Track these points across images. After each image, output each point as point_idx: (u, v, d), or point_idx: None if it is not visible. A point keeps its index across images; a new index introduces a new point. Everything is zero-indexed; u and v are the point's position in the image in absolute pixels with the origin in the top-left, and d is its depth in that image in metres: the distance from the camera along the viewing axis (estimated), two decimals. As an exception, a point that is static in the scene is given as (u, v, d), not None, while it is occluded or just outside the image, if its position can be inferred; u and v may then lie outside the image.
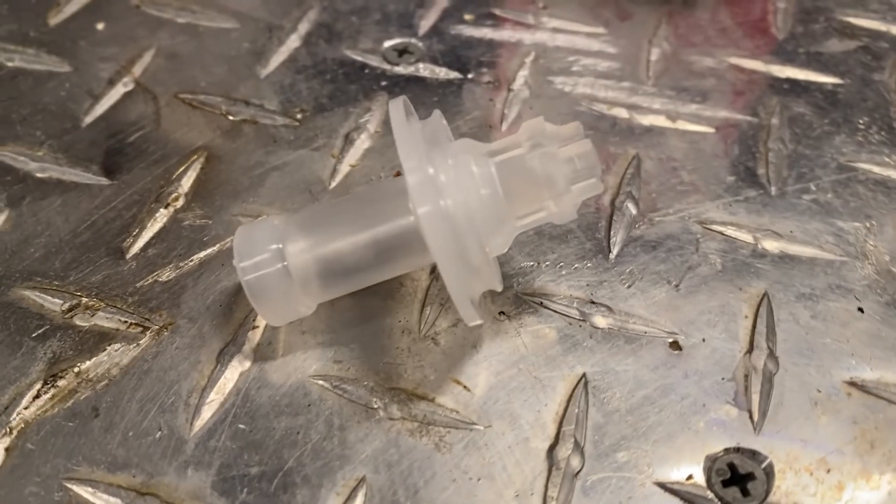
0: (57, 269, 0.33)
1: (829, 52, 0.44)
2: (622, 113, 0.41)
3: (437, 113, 0.31)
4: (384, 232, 0.29)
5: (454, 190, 0.27)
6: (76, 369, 0.31)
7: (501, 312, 0.33)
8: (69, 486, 0.28)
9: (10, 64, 0.42)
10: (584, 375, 0.31)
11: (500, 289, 0.31)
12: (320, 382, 0.30)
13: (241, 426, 0.29)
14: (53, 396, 0.30)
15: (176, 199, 0.36)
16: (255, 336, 0.32)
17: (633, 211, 0.36)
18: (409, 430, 0.29)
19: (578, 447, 0.29)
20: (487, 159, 0.29)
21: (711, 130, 0.40)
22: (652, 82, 0.42)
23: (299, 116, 0.40)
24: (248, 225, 0.30)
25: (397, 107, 0.28)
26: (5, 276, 0.33)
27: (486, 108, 0.41)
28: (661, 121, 0.40)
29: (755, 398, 0.30)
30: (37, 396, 0.30)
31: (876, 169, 0.38)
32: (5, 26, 0.44)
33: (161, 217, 0.35)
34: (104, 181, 0.37)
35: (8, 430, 0.29)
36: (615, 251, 0.35)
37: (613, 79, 0.42)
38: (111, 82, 0.41)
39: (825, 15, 0.47)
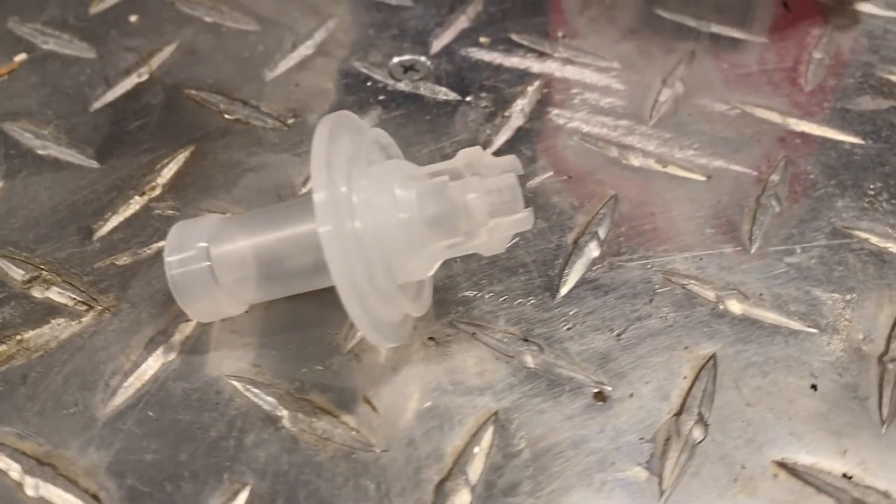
0: (29, 241, 0.35)
1: (857, 109, 0.42)
2: (612, 151, 0.39)
3: (379, 131, 0.31)
4: (297, 244, 0.29)
5: (365, 211, 0.27)
6: (18, 337, 0.32)
7: (431, 338, 0.32)
8: (-21, 445, 0.29)
9: (44, 46, 0.45)
10: (496, 413, 0.30)
11: (417, 314, 0.31)
12: (234, 383, 0.31)
13: (150, 413, 0.30)
14: (-8, 360, 0.32)
15: (153, 188, 0.38)
16: (187, 329, 0.33)
17: (595, 253, 0.35)
18: (307, 443, 0.29)
19: (469, 485, 0.28)
20: (412, 183, 0.29)
21: (702, 179, 0.38)
22: (653, 123, 0.41)
23: (290, 121, 0.41)
24: (185, 221, 0.31)
25: (325, 123, 0.28)
26: (-18, 244, 0.36)
27: (474, 132, 0.40)
28: (650, 163, 0.39)
29: (670, 464, 0.29)
30: (-24, 358, 0.32)
31: (874, 239, 0.36)
32: (49, 11, 0.47)
33: (134, 204, 0.37)
34: (94, 164, 0.39)
35: (-58, 385, 0.31)
36: (564, 291, 0.34)
37: (613, 116, 0.41)
38: (127, 72, 0.43)
39: (864, 70, 0.44)
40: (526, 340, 0.32)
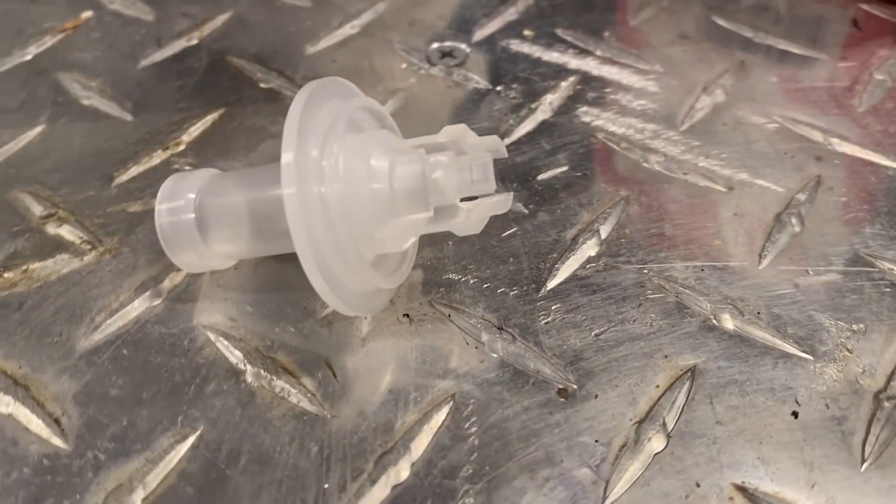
0: (55, 182, 0.37)
1: (910, 136, 0.39)
2: (634, 153, 0.38)
3: (371, 101, 0.31)
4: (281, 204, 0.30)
5: (334, 177, 0.27)
6: (25, 267, 0.34)
7: (406, 315, 0.32)
8: (-34, 360, 0.31)
9: (111, 7, 0.47)
10: (453, 395, 0.30)
11: (385, 286, 0.30)
12: (208, 333, 0.32)
13: (125, 351, 0.31)
14: (-3, 285, 0.34)
15: (177, 144, 0.39)
16: (177, 278, 0.34)
17: (592, 251, 0.34)
18: (262, 399, 0.30)
19: (410, 461, 0.28)
20: (388, 154, 0.28)
21: (723, 190, 0.36)
22: (683, 129, 0.39)
23: (319, 95, 0.41)
24: (181, 173, 0.32)
25: (307, 87, 0.28)
26: (16, 179, 0.38)
27: (496, 121, 0.40)
28: (671, 168, 0.37)
29: (619, 471, 0.28)
30: (-16, 281, 0.34)
31: (898, 271, 0.33)
32: (121, -26, 0.50)
33: (156, 157, 0.38)
34: (129, 118, 0.41)
35: (-52, 301, 0.33)
36: (550, 285, 0.33)
37: (642, 118, 0.40)
38: (179, 35, 0.45)
39: (928, 96, 0.41)
40: (500, 329, 0.32)
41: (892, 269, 0.33)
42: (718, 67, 0.42)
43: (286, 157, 0.26)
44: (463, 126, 0.29)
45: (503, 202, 0.29)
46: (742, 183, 0.37)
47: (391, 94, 0.41)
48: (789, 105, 0.40)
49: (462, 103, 0.41)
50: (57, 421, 0.29)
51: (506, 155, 0.30)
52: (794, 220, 0.35)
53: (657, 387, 0.30)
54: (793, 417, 0.29)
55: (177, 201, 0.31)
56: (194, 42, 0.45)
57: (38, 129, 0.40)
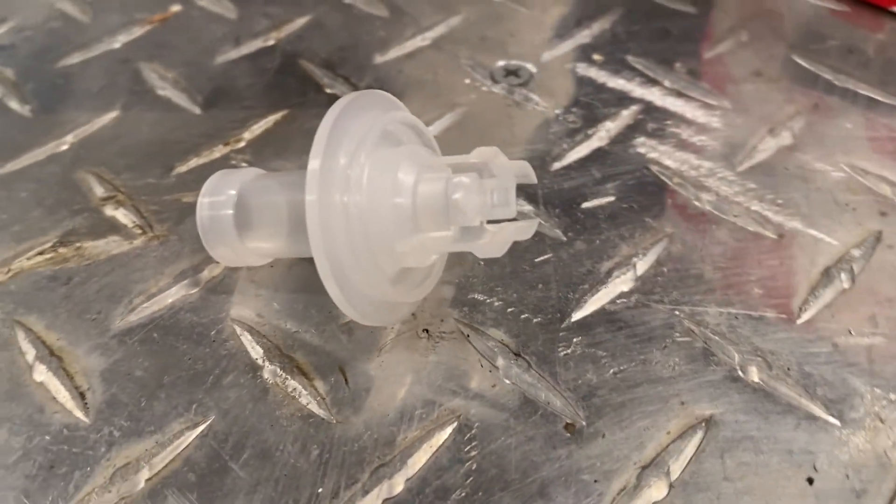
0: (119, 166, 0.39)
1: None
2: (686, 189, 0.37)
3: (409, 116, 0.31)
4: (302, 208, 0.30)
5: (358, 187, 0.28)
6: (78, 244, 0.36)
7: (426, 330, 0.32)
8: (10, 324, 0.33)
9: (199, 2, 0.49)
10: (459, 417, 0.30)
11: (403, 299, 0.31)
12: (234, 326, 0.33)
13: (155, 335, 0.33)
14: (50, 259, 0.36)
15: (238, 140, 0.40)
16: (216, 270, 0.35)
17: (625, 287, 0.33)
18: (274, 396, 0.30)
19: (405, 477, 0.28)
20: (417, 171, 0.29)
21: (773, 237, 0.35)
22: (741, 169, 0.38)
23: (379, 104, 0.42)
24: (226, 170, 0.33)
25: (346, 98, 0.29)
26: (85, 160, 0.40)
27: (550, 144, 0.40)
28: (722, 209, 0.36)
29: (615, 515, 0.27)
30: (40, 254, 0.36)
31: (951, 342, 0.31)
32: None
33: (216, 152, 0.40)
34: (197, 111, 0.42)
35: (6, 270, 0.35)
36: (576, 316, 0.32)
37: (700, 154, 0.39)
38: (257, 35, 0.47)
39: None
40: (517, 355, 0.31)
41: (945, 340, 0.31)
42: (790, 108, 0.41)
43: (312, 163, 0.27)
44: (494, 148, 0.29)
45: (527, 228, 0.29)
46: (794, 231, 0.35)
47: (450, 108, 0.42)
48: (860, 154, 0.38)
49: (518, 123, 0.41)
50: (82, 395, 0.31)
51: (534, 181, 0.29)
52: (843, 276, 0.33)
53: (668, 433, 0.29)
54: (807, 483, 0.27)
55: (218, 196, 0.32)
56: (271, 43, 0.46)
57: (112, 115, 0.42)
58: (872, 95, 0.41)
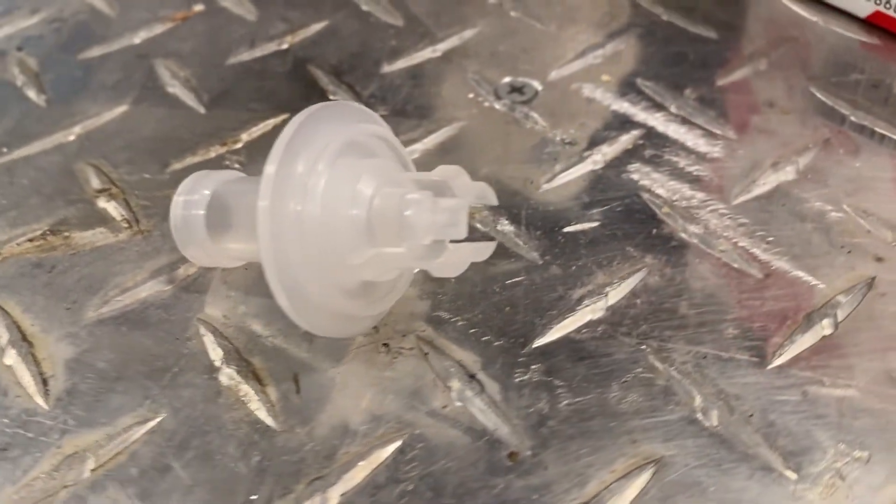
0: (118, 160, 0.40)
1: None
2: (673, 220, 0.36)
3: (382, 130, 0.31)
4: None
5: (312, 197, 0.28)
6: (67, 234, 0.37)
7: (385, 344, 0.32)
8: (-10, 310, 0.34)
9: (222, 3, 0.50)
10: (404, 436, 0.29)
11: (361, 314, 0.30)
12: (200, 327, 0.33)
13: (124, 329, 0.33)
14: (39, 246, 0.37)
15: (235, 142, 0.41)
16: (192, 269, 0.35)
17: (594, 315, 0.32)
18: (225, 399, 0.31)
19: (339, 492, 0.28)
20: (378, 185, 0.29)
21: (758, 276, 0.34)
22: (735, 203, 0.36)
23: (380, 114, 0.42)
24: (206, 171, 0.34)
25: (313, 107, 0.29)
26: (88, 151, 0.41)
27: (542, 163, 0.39)
28: (708, 243, 0.35)
29: (544, 551, 0.26)
30: (30, 240, 0.37)
31: (932, 401, 0.29)
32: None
33: (213, 151, 0.40)
34: (202, 110, 0.43)
35: (-5, 254, 0.36)
36: (539, 342, 0.32)
37: (695, 185, 0.37)
38: (272, 38, 0.47)
39: None
40: (472, 377, 0.31)
41: (925, 398, 0.29)
42: (798, 143, 0.39)
43: (268, 169, 0.27)
44: (457, 168, 0.29)
45: (483, 249, 0.29)
46: (780, 271, 0.34)
47: (448, 122, 0.41)
48: (865, 195, 0.37)
49: (514, 141, 0.40)
50: (45, 381, 0.31)
51: (494, 203, 0.29)
52: (825, 322, 0.32)
53: (613, 471, 0.28)
54: (750, 537, 0.26)
55: (192, 196, 0.33)
56: (284, 46, 0.47)
57: (121, 109, 0.43)
58: (887, 133, 0.39)
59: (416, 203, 0.27)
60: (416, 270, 0.33)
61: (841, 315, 0.32)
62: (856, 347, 0.31)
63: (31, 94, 0.44)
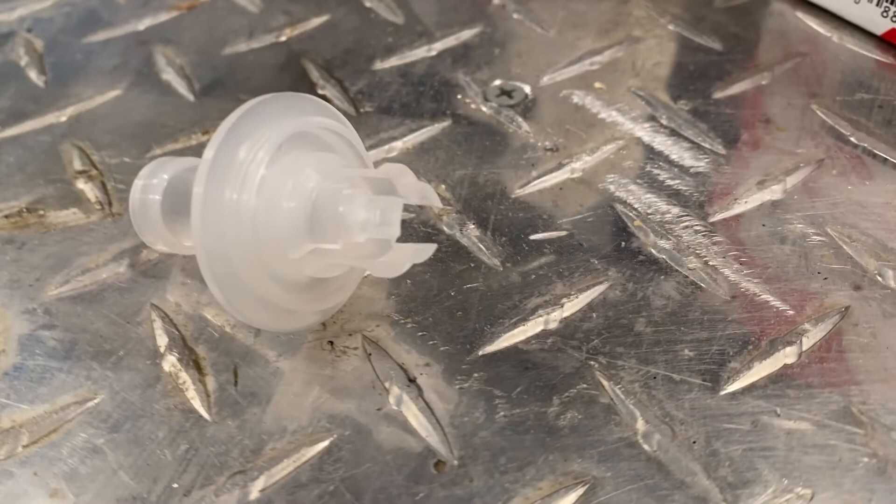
0: (103, 143, 0.41)
1: None
2: (644, 233, 0.35)
3: (338, 125, 0.30)
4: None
5: (254, 187, 0.27)
6: (41, 212, 0.37)
7: (330, 342, 0.32)
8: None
9: (229, -6, 0.51)
10: (333, 437, 0.29)
11: (300, 309, 0.30)
12: (151, 312, 0.33)
13: (79, 309, 0.33)
14: (14, 223, 0.37)
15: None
16: (153, 254, 0.35)
17: (546, 326, 0.31)
18: (163, 386, 0.31)
19: (259, 488, 0.27)
20: (320, 179, 0.28)
21: (725, 298, 0.32)
22: (712, 220, 0.35)
23: (364, 109, 0.42)
24: (170, 157, 0.34)
25: (262, 97, 0.29)
26: (76, 132, 0.41)
27: (519, 170, 0.38)
28: (676, 260, 0.33)
29: (456, 565, 0.25)
30: (6, 217, 0.37)
31: None
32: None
33: (194, 139, 0.41)
34: (191, 98, 0.43)
35: (-29, 228, 0.37)
36: (484, 350, 0.31)
37: (672, 199, 0.36)
38: (271, 30, 0.47)
39: None
40: (412, 381, 0.30)
41: (886, 436, 0.28)
42: (789, 162, 0.37)
43: (206, 154, 0.27)
44: (402, 166, 0.28)
45: (424, 251, 0.28)
46: (749, 294, 0.32)
47: (431, 122, 0.41)
48: (852, 219, 0.35)
49: (495, 145, 0.39)
50: (-3, 354, 0.32)
51: (438, 204, 0.28)
52: (789, 350, 0.30)
53: (539, 489, 0.27)
54: (673, 570, 0.25)
55: (151, 180, 0.33)
56: (282, 39, 0.47)
57: (115, 93, 0.44)
58: (886, 156, 0.37)
59: (350, 199, 0.27)
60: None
61: (807, 344, 0.30)
62: (819, 378, 0.30)
63: (32, 74, 0.45)
